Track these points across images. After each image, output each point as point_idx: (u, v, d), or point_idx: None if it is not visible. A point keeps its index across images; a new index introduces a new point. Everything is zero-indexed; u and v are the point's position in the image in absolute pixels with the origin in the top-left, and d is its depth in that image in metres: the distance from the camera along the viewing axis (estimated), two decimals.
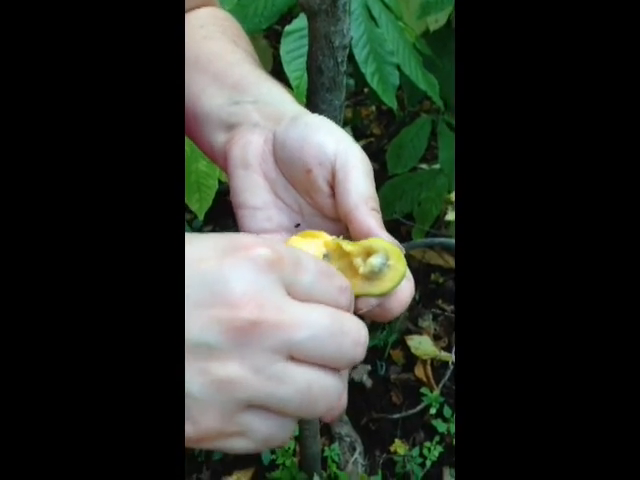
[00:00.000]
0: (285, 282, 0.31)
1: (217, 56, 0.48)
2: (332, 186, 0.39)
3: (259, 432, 0.30)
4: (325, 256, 0.38)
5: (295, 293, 0.31)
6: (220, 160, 0.45)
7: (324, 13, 0.52)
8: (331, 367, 0.31)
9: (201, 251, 0.30)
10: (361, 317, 0.34)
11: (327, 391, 0.31)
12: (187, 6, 0.52)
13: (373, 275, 0.36)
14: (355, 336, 0.31)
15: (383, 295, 0.36)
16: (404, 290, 0.36)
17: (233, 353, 0.29)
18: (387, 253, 0.36)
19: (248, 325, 0.29)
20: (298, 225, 0.41)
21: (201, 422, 0.29)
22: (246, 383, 0.29)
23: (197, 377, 0.29)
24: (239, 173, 0.42)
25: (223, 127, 0.44)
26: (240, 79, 0.45)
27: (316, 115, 0.42)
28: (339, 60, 0.57)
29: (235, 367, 0.29)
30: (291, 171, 0.41)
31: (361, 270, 0.36)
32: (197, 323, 0.29)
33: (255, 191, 0.41)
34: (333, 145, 0.39)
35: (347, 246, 0.37)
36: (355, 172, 0.38)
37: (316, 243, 0.38)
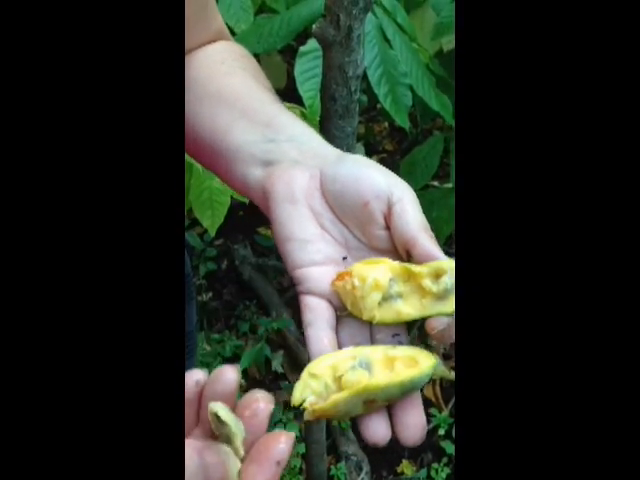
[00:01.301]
0: None
1: (243, 93, 0.49)
2: (386, 218, 0.41)
3: None
4: (391, 280, 0.40)
5: None
6: (254, 194, 0.46)
7: (338, 44, 0.52)
8: None
9: None
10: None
11: None
12: (202, 40, 0.53)
13: (446, 294, 0.37)
14: None
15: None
16: None
17: None
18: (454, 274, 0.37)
19: None
20: (345, 258, 0.42)
21: None
22: None
23: None
24: (286, 207, 0.43)
25: (258, 163, 0.46)
26: (272, 118, 0.47)
27: (359, 155, 0.45)
28: (352, 89, 0.57)
29: None
30: (343, 205, 0.43)
31: (435, 289, 0.38)
32: None
33: (304, 224, 0.43)
34: (385, 180, 0.42)
35: (416, 268, 0.39)
36: (411, 204, 0.41)
37: (381, 268, 0.40)
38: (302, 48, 1.05)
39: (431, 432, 1.46)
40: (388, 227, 0.41)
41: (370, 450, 1.43)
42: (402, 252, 0.41)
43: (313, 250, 0.42)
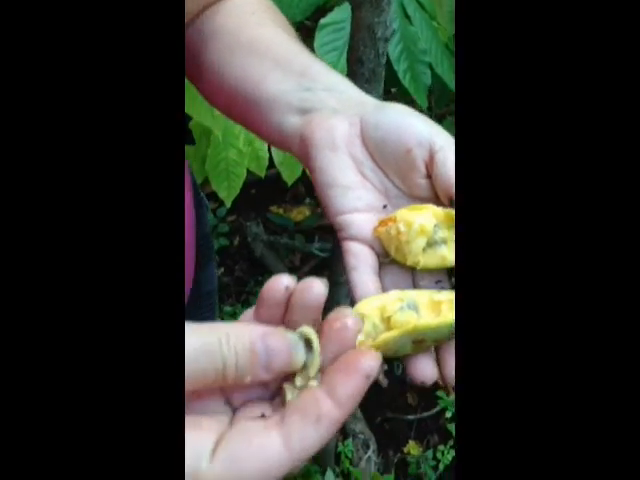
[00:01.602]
0: None
1: (275, 44, 0.49)
2: (428, 166, 0.41)
3: None
4: (436, 226, 0.40)
5: None
6: (291, 142, 0.46)
7: (368, 3, 0.52)
8: None
9: None
10: None
11: None
12: None
13: None
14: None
15: None
16: None
17: None
18: None
19: None
20: (385, 206, 0.42)
21: None
22: None
23: None
24: (326, 154, 0.43)
25: (295, 111, 0.46)
26: (307, 67, 0.47)
27: (400, 104, 0.44)
28: (380, 52, 0.56)
29: None
30: (385, 152, 0.42)
31: None
32: None
33: (345, 171, 0.43)
34: (427, 128, 0.41)
35: None
36: (453, 153, 0.40)
37: (426, 214, 0.40)
38: (322, 20, 1.05)
39: (438, 415, 1.46)
40: (429, 175, 0.41)
41: (377, 429, 1.43)
42: (444, 199, 0.41)
43: (354, 197, 0.42)
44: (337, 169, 0.43)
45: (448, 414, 1.44)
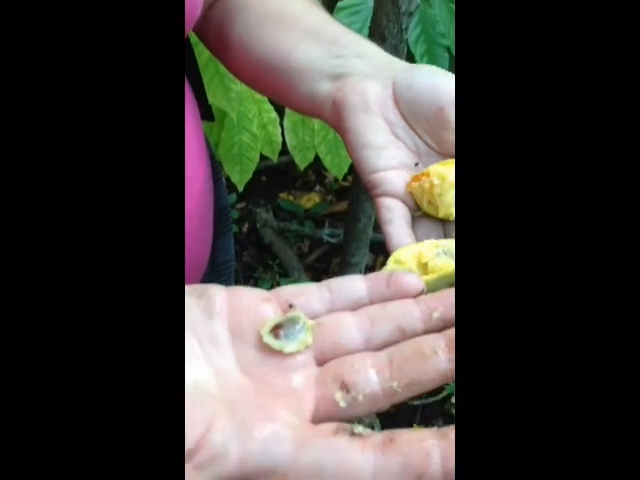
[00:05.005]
0: None
1: (304, 14, 0.51)
2: None
3: None
4: None
5: None
6: (323, 107, 0.48)
7: None
8: None
9: None
10: None
11: None
12: None
13: None
14: None
15: None
16: None
17: None
18: None
19: None
20: (417, 164, 0.44)
21: None
22: None
23: None
24: (361, 116, 0.45)
25: (326, 78, 0.47)
26: (337, 36, 0.49)
27: (429, 65, 0.47)
28: (403, 27, 0.57)
29: None
30: (417, 112, 0.44)
31: None
32: None
33: (379, 132, 0.45)
34: None
35: None
36: None
37: None
38: (340, 3, 1.05)
39: (442, 400, 1.47)
40: None
41: (382, 413, 1.44)
42: None
43: (388, 156, 0.44)
44: (371, 131, 0.45)
45: (453, 400, 1.45)
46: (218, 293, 0.33)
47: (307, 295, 0.34)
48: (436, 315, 0.32)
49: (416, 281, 0.34)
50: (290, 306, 0.33)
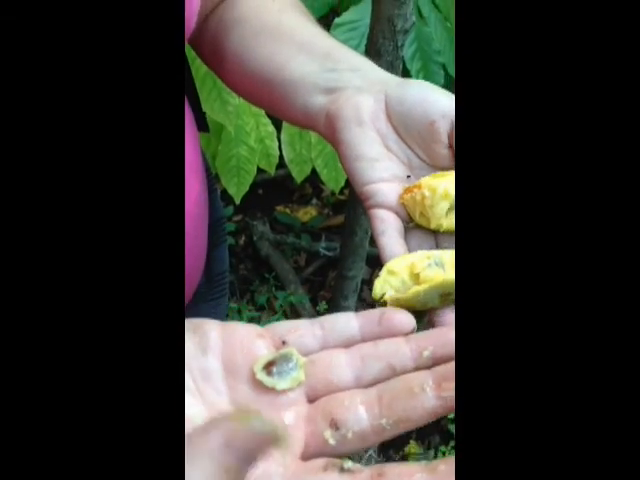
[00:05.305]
0: None
1: (298, 28, 0.52)
2: (450, 137, 0.44)
3: None
4: None
5: None
6: (317, 120, 0.48)
7: None
8: None
9: None
10: None
11: None
12: None
13: None
14: None
15: None
16: None
17: None
18: None
19: None
20: (409, 176, 0.45)
21: None
22: None
23: None
24: (354, 129, 0.46)
25: (320, 91, 0.48)
26: (330, 50, 0.50)
27: (421, 80, 0.47)
28: (399, 44, 0.58)
29: None
30: (409, 125, 0.45)
31: None
32: None
33: (372, 145, 0.46)
34: (450, 102, 0.44)
35: None
36: None
37: (448, 180, 0.42)
38: (337, 20, 1.06)
39: None
40: (451, 145, 0.44)
41: None
42: None
43: (381, 168, 0.45)
44: (364, 143, 0.45)
45: (450, 415, 1.45)
46: (212, 328, 0.33)
47: (300, 332, 0.34)
48: (426, 354, 0.33)
49: (407, 320, 0.35)
50: (283, 343, 0.34)
